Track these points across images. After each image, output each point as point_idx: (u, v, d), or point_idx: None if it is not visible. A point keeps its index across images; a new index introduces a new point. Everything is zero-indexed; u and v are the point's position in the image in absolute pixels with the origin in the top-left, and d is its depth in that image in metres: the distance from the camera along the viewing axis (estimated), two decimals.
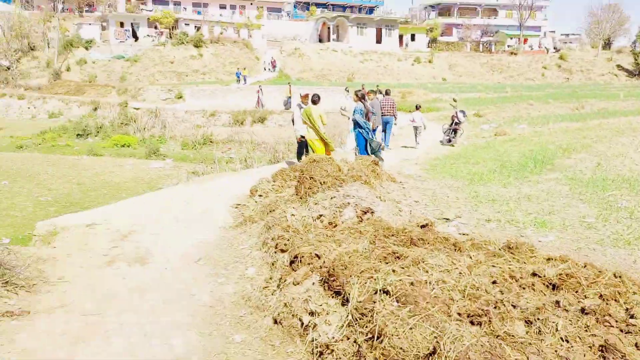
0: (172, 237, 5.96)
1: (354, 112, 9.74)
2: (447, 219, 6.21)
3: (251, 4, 62.90)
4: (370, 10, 74.25)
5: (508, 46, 67.16)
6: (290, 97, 32.82)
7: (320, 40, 57.30)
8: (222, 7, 61.48)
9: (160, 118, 28.52)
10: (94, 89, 38.43)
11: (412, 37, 63.29)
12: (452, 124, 14.52)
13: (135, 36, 50.76)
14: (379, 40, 56.52)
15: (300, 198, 5.17)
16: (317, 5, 68.14)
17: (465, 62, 58.25)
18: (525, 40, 68.11)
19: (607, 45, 69.82)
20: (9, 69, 42.61)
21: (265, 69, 46.88)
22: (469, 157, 12.49)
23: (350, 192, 4.42)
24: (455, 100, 15.15)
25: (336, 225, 3.99)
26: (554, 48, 70.62)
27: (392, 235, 3.70)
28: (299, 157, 10.62)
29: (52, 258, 4.90)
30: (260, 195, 6.52)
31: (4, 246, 5.37)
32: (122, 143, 21.31)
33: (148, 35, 50.65)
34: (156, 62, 46.20)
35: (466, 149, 14.36)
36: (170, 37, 49.70)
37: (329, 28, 56.60)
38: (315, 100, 9.39)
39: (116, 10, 53.12)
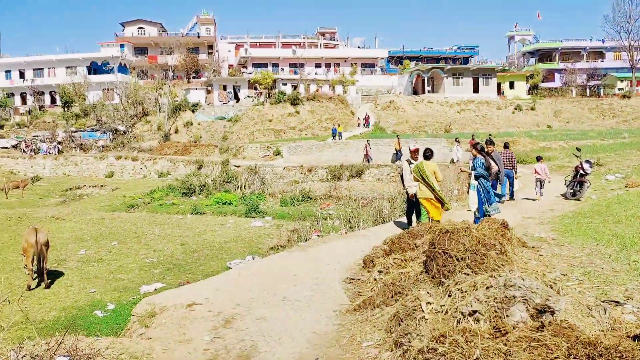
0: (281, 326, 5.05)
1: (474, 166, 8.85)
2: (617, 302, 4.91)
3: (345, 61, 64.48)
4: (465, 60, 73.14)
5: (619, 89, 62.33)
6: (399, 151, 32.07)
7: (415, 93, 56.82)
8: (318, 65, 63.56)
9: (259, 175, 29.02)
10: (198, 148, 40.47)
11: (511, 85, 60.88)
12: (576, 175, 12.87)
13: (236, 97, 53.54)
14: (475, 90, 54.88)
15: (433, 278, 4.25)
16: (410, 59, 68.39)
17: (571, 107, 54.58)
18: (639, 83, 62.88)
19: None
20: (125, 133, 46.35)
21: (359, 125, 46.89)
22: (604, 214, 10.81)
23: (513, 281, 3.37)
24: (579, 150, 13.61)
25: (506, 333, 2.97)
26: None
27: (599, 356, 2.61)
28: (408, 217, 9.73)
29: (146, 355, 4.29)
30: (380, 272, 5.62)
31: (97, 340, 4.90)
32: (224, 200, 21.61)
33: (248, 96, 53.19)
34: (255, 120, 48.02)
35: (597, 204, 12.60)
36: (269, 96, 51.76)
37: (423, 80, 56.10)
38: (428, 155, 8.65)
39: (220, 75, 56.68)
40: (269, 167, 32.07)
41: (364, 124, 46.21)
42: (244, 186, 26.03)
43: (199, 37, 65.57)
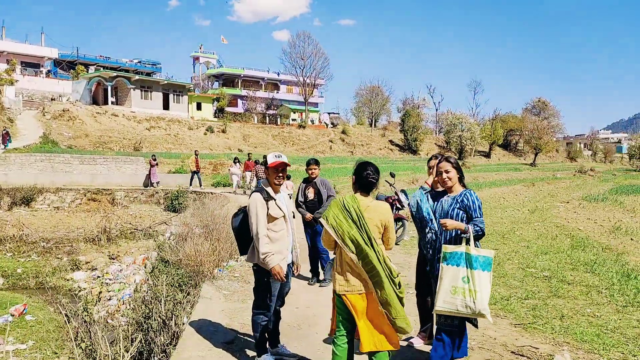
0: None
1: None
2: None
3: None
4: (148, 75, 67.95)
5: (292, 119, 68.28)
6: (196, 171, 24.76)
7: (96, 103, 48.59)
8: None
9: None
10: None
11: (199, 106, 59.11)
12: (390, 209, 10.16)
13: None
14: (166, 106, 50.71)
15: None
16: (85, 65, 58.93)
17: (257, 133, 56.24)
18: (308, 115, 70.32)
19: (374, 123, 76.86)
20: None
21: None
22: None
23: None
24: (393, 176, 10.42)
25: None
26: (331, 123, 74.62)
27: None
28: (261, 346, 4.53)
29: None
30: None
31: None
32: None
33: None
34: None
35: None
36: None
37: (105, 89, 48.50)
38: (372, 180, 3.64)
39: None
40: None
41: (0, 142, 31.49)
42: None
43: None
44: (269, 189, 4.30)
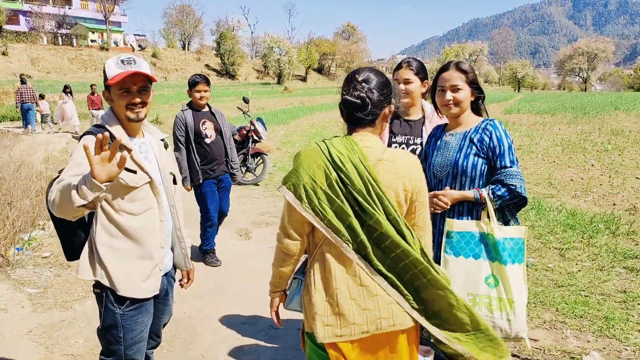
0: None
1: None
2: None
3: None
4: None
5: (92, 41, 59.74)
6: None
7: None
8: None
9: None
10: None
11: None
12: (245, 142, 8.52)
13: None
14: None
15: None
16: None
17: (49, 56, 47.97)
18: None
19: (187, 46, 71.64)
20: None
21: None
22: None
23: None
24: (246, 102, 8.09)
25: None
26: (139, 46, 67.40)
27: None
28: None
29: None
30: None
31: None
32: None
33: None
34: None
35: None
36: None
37: None
38: (368, 98, 1.81)
39: None
40: None
41: None
42: None
43: None
44: (116, 129, 2.15)
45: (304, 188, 1.78)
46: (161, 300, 2.37)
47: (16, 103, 16.84)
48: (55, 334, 3.69)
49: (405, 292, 1.78)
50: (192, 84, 4.81)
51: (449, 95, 2.40)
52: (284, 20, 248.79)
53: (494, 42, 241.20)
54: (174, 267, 2.48)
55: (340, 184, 1.76)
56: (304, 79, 71.86)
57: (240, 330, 3.80)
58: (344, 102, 1.84)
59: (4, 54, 42.50)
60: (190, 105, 4.95)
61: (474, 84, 2.43)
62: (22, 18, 56.81)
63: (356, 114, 1.83)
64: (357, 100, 1.80)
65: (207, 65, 63.44)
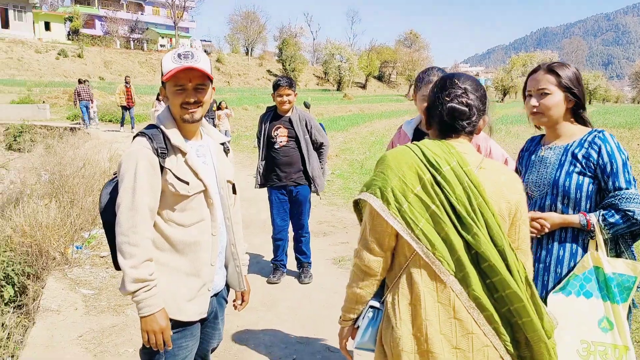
0: None
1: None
2: None
3: None
4: None
5: (161, 46, 62.16)
6: (129, 108, 17.28)
7: None
8: None
9: None
10: None
11: (47, 26, 50.93)
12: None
13: None
14: (5, 24, 42.71)
15: None
16: None
17: (121, 59, 50.17)
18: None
19: (250, 52, 73.08)
20: None
21: None
22: None
23: None
24: (307, 107, 7.86)
25: None
26: (204, 51, 69.53)
27: None
28: None
29: None
30: None
31: None
32: None
33: None
34: None
35: None
36: None
37: None
38: (463, 109, 1.60)
39: None
40: None
41: None
42: None
43: None
44: (172, 131, 1.93)
45: (392, 191, 1.51)
46: (209, 324, 2.14)
47: (74, 101, 18.31)
48: (105, 341, 3.58)
49: (502, 330, 1.49)
50: (274, 87, 4.58)
51: (534, 101, 2.08)
52: (346, 27, 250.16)
53: (564, 52, 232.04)
54: (227, 286, 2.22)
55: (436, 186, 1.50)
56: (363, 86, 71.52)
57: (296, 351, 3.55)
58: (450, 110, 1.60)
59: (79, 56, 44.82)
60: (274, 107, 4.72)
61: (569, 89, 2.05)
62: (97, 22, 60.00)
63: (458, 123, 1.60)
64: (465, 108, 1.60)
65: (268, 71, 64.36)
